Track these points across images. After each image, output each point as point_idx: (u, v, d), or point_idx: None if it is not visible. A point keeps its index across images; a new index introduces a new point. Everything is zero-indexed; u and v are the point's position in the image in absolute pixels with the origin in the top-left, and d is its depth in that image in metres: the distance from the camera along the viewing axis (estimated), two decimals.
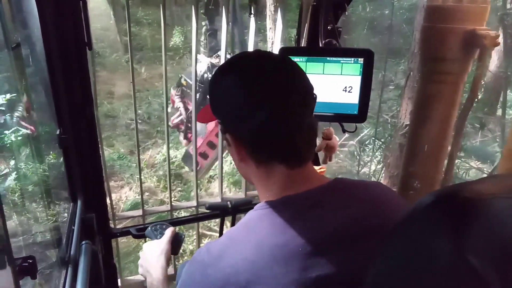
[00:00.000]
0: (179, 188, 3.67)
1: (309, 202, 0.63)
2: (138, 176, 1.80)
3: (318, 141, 1.67)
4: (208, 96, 0.72)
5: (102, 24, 6.94)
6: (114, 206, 1.80)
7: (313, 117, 0.66)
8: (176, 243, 0.96)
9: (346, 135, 4.56)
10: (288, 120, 0.61)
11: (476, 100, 1.07)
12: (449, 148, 1.29)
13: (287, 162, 0.64)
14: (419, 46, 1.17)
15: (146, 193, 3.49)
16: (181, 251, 1.01)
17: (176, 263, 2.02)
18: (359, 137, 4.56)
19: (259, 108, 0.60)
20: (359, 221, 0.61)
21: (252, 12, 1.44)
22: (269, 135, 0.62)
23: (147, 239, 1.05)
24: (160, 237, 0.96)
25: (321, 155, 1.54)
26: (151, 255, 0.89)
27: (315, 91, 0.67)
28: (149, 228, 1.03)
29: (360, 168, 4.20)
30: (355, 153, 4.48)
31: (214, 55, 4.55)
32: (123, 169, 4.08)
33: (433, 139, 1.19)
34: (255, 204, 0.68)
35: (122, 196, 3.75)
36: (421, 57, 1.27)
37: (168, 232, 0.95)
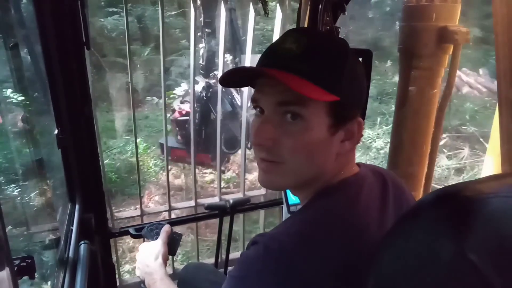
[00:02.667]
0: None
1: (365, 185, 0.64)
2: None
3: None
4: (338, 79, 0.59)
5: None
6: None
7: None
8: (173, 243, 0.95)
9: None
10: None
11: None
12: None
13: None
14: (399, 45, 1.21)
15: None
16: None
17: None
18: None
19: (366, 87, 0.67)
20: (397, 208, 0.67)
21: (267, 12, 1.42)
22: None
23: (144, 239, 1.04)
24: (157, 238, 0.94)
25: None
26: (148, 257, 0.89)
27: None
28: (145, 228, 1.02)
29: None
30: None
31: (211, 75, 4.59)
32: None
33: (415, 134, 1.23)
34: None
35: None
36: (400, 55, 1.32)
37: (164, 232, 0.94)
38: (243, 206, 1.49)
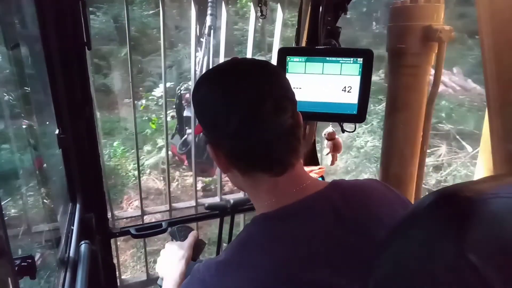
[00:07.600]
0: None
1: (308, 213, 0.61)
2: None
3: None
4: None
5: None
6: None
7: (295, 121, 0.63)
8: (197, 249, 0.97)
9: None
10: (262, 126, 0.59)
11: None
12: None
13: (268, 170, 0.63)
14: (387, 45, 1.25)
15: None
16: None
17: None
18: None
19: (231, 115, 0.59)
20: (360, 230, 0.60)
21: (264, 13, 1.42)
22: (243, 143, 0.60)
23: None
24: (183, 240, 0.96)
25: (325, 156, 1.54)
26: (173, 257, 0.90)
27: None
28: (175, 227, 1.05)
29: None
30: None
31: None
32: None
33: (407, 129, 1.27)
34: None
35: None
36: (389, 55, 1.36)
37: (191, 237, 0.96)
38: (244, 206, 1.49)
